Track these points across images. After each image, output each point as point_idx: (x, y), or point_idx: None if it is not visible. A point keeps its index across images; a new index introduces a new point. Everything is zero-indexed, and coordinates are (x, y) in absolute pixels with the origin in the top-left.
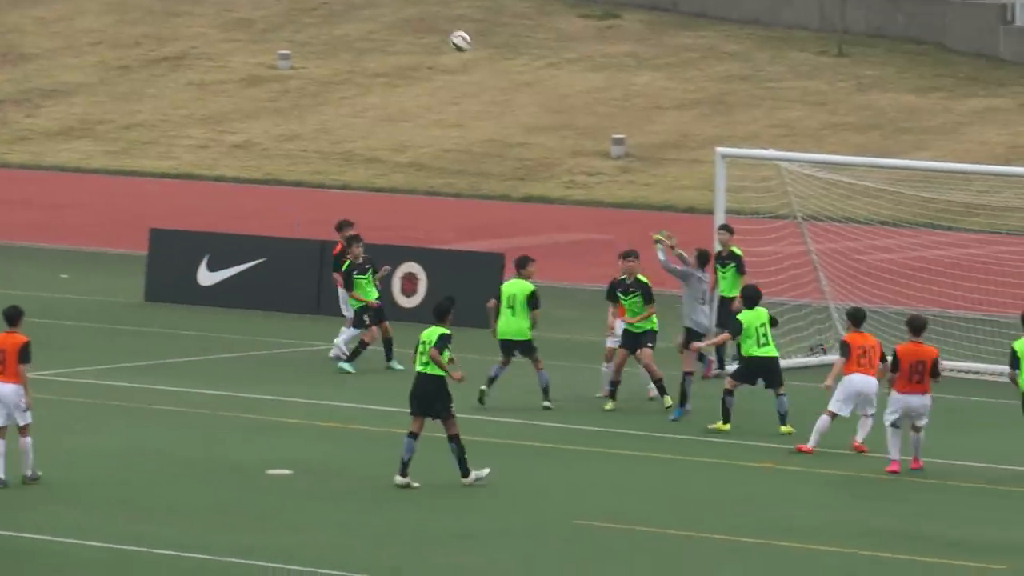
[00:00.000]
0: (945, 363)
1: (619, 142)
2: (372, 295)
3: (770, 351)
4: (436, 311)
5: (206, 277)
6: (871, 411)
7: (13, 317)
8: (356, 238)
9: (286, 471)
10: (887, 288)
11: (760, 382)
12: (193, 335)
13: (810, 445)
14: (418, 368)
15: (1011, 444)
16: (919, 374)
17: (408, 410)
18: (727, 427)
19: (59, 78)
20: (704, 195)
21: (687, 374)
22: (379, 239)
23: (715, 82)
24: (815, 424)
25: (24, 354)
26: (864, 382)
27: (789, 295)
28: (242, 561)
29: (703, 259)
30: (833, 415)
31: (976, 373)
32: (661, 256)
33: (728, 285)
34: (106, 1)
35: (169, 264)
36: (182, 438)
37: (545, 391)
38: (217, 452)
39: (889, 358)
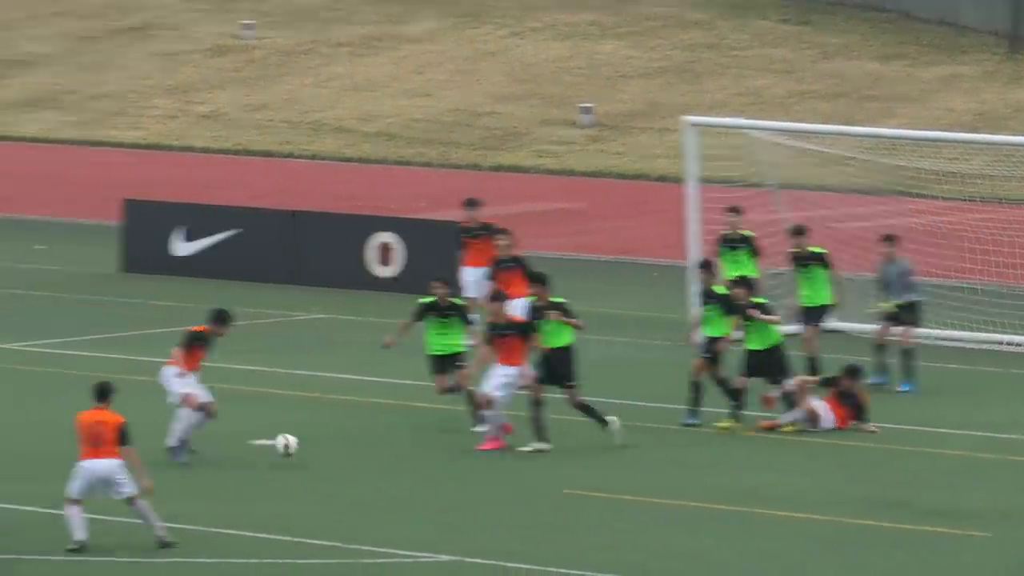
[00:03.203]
0: (926, 331)
1: (587, 111)
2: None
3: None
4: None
5: (182, 247)
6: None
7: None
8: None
9: (270, 441)
10: (865, 256)
11: None
12: (170, 306)
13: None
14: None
15: (991, 412)
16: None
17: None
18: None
19: (23, 49)
20: (676, 163)
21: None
22: (350, 208)
23: (680, 50)
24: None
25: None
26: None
27: (762, 263)
28: (223, 531)
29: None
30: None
31: (956, 341)
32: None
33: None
34: None
35: (144, 235)
36: (157, 410)
37: None
38: None
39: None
